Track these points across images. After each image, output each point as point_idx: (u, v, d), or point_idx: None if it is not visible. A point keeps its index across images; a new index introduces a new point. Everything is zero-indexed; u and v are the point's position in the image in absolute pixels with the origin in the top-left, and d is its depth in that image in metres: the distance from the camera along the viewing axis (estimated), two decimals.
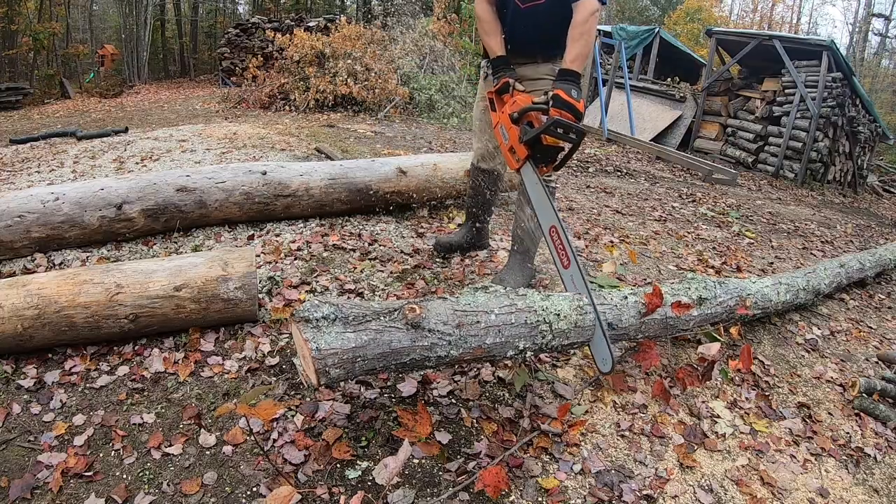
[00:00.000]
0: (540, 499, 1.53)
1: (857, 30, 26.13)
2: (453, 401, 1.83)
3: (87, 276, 1.93)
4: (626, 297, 1.92)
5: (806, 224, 5.74)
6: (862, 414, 2.14)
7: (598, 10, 2.05)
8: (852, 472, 1.85)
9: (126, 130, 6.13)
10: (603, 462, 1.68)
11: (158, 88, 16.31)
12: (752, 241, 4.41)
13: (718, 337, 2.29)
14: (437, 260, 2.83)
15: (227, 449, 1.60)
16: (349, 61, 8.67)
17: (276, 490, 1.37)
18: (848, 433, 2.02)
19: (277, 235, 2.92)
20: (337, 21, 11.01)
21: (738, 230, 4.65)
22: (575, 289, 1.90)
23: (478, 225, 2.84)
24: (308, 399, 1.81)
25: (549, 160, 2.05)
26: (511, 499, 1.52)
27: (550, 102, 1.97)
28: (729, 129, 9.98)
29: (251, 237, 2.89)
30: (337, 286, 2.46)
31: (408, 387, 1.89)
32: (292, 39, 9.36)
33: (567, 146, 2.00)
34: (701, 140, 10.31)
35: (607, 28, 11.25)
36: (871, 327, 2.94)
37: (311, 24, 13.12)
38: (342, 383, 1.88)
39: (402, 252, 2.87)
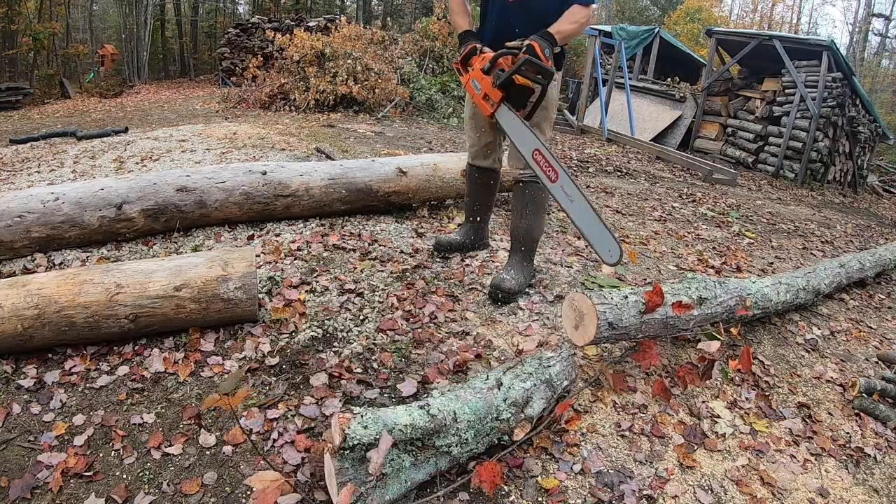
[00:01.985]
0: (540, 499, 1.53)
1: (857, 30, 26.14)
2: None
3: (87, 276, 1.93)
4: (627, 297, 1.92)
5: (806, 224, 5.74)
6: (862, 414, 2.14)
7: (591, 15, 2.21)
8: (852, 472, 1.85)
9: (126, 130, 6.13)
10: (603, 462, 1.68)
11: (158, 88, 16.31)
12: (752, 241, 4.41)
13: (718, 336, 2.29)
14: (437, 260, 2.83)
15: (227, 449, 1.60)
16: (349, 61, 8.67)
17: (261, 474, 1.33)
18: (848, 433, 2.02)
19: (277, 235, 2.92)
20: (337, 21, 11.02)
21: (738, 230, 4.65)
22: (569, 198, 1.98)
23: (477, 224, 2.84)
24: (308, 399, 1.81)
25: (521, 104, 2.17)
26: (511, 499, 1.52)
27: (523, 48, 2.06)
28: (729, 129, 9.99)
29: (251, 237, 2.89)
30: (337, 286, 2.46)
31: (408, 387, 1.89)
32: (292, 39, 9.36)
33: (538, 89, 2.15)
34: (701, 140, 10.31)
35: (607, 28, 11.26)
36: (871, 327, 2.94)
37: (311, 24, 13.14)
38: (342, 382, 1.88)
39: (402, 252, 2.87)
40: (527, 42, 2.06)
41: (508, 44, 2.12)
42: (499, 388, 1.61)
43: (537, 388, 1.68)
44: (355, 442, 1.31)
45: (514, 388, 1.63)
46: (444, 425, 1.46)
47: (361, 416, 1.36)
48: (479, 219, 2.82)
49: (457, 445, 1.49)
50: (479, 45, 2.23)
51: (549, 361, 1.76)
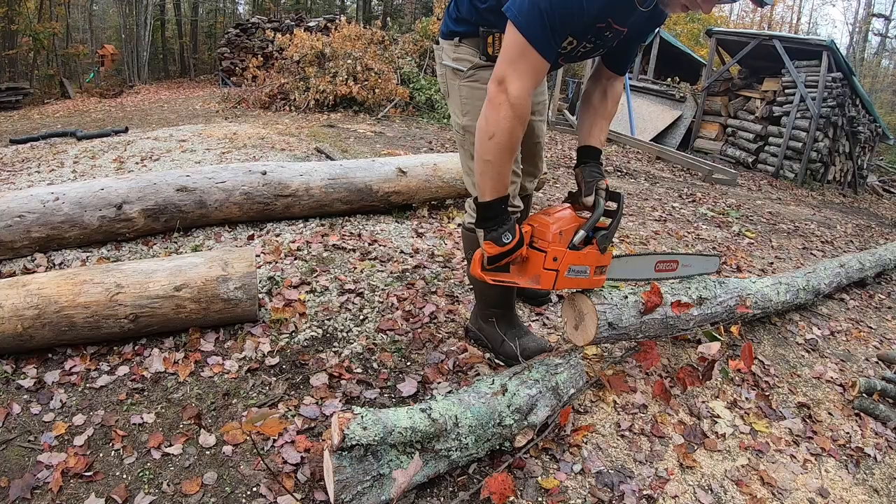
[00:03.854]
0: (540, 499, 1.53)
1: (857, 30, 26.16)
2: None
3: (87, 276, 1.93)
4: (626, 297, 1.92)
5: (806, 224, 5.74)
6: (862, 414, 2.14)
7: None
8: (852, 472, 1.85)
9: (126, 130, 6.14)
10: (603, 462, 1.68)
11: (158, 88, 16.31)
12: (752, 241, 4.41)
13: (719, 336, 2.29)
14: (437, 260, 2.83)
15: (227, 449, 1.60)
16: (349, 61, 8.67)
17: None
18: (848, 433, 2.02)
19: (277, 235, 2.92)
20: (337, 21, 11.02)
21: (738, 230, 4.65)
22: (687, 268, 2.14)
23: (512, 307, 2.09)
24: (308, 399, 1.81)
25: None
26: (511, 499, 1.52)
27: (603, 199, 1.66)
28: (729, 129, 9.99)
29: (251, 237, 2.89)
30: (337, 286, 2.46)
31: (408, 387, 1.89)
32: (292, 39, 9.37)
33: None
34: (701, 140, 10.31)
35: None
36: (871, 327, 2.94)
37: (311, 24, 13.15)
38: (342, 382, 1.88)
39: (402, 252, 2.87)
40: (603, 184, 1.67)
41: (597, 210, 1.64)
42: (503, 394, 1.59)
43: (542, 395, 1.67)
44: (354, 442, 1.32)
45: (518, 394, 1.62)
46: (445, 430, 1.46)
47: (361, 417, 1.36)
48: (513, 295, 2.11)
49: (457, 450, 1.48)
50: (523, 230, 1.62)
51: (558, 368, 1.76)
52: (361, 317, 2.28)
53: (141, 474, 1.51)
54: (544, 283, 1.61)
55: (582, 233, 1.60)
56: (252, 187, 2.92)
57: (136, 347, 1.99)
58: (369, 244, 2.91)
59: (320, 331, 2.17)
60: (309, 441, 1.63)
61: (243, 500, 1.46)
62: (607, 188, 1.68)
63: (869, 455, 1.94)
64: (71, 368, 1.87)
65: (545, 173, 2.38)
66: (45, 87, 14.94)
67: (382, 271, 2.64)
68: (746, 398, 2.09)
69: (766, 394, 2.14)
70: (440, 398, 1.55)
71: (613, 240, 1.70)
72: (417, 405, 1.51)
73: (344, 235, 2.97)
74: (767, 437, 1.91)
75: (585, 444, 1.73)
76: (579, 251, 1.61)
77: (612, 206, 1.68)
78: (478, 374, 1.98)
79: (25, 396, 1.76)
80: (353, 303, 2.36)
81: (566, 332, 1.91)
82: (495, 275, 1.61)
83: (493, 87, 1.43)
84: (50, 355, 1.92)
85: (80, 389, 1.80)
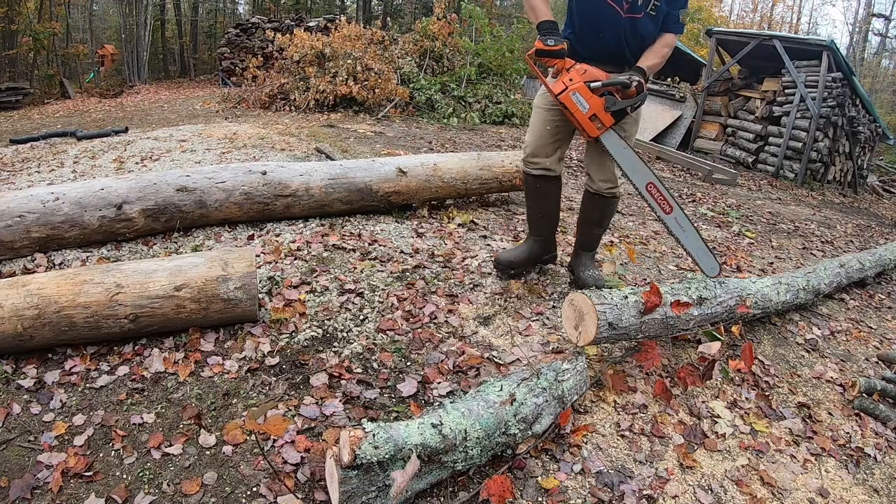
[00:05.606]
0: (540, 499, 1.53)
1: (857, 30, 26.17)
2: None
3: (87, 276, 1.93)
4: (626, 297, 1.92)
5: (806, 224, 5.74)
6: (862, 414, 2.14)
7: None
8: (852, 472, 1.85)
9: (126, 130, 6.13)
10: (603, 462, 1.68)
11: (158, 88, 16.31)
12: (752, 241, 4.41)
13: (719, 336, 2.29)
14: (437, 260, 2.83)
15: (227, 449, 1.60)
16: (349, 61, 8.66)
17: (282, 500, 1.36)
18: (848, 433, 2.02)
19: (277, 235, 2.92)
20: (337, 21, 11.01)
21: (738, 230, 4.65)
22: (681, 228, 2.22)
23: (546, 238, 2.64)
24: (308, 399, 1.81)
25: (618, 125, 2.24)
26: (510, 500, 1.52)
27: (634, 84, 2.09)
28: (729, 129, 9.98)
29: (251, 237, 2.89)
30: (337, 286, 2.46)
31: (408, 387, 1.89)
32: (292, 39, 9.36)
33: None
34: (701, 140, 10.31)
35: None
36: (871, 327, 2.94)
37: (311, 24, 13.15)
38: (342, 382, 1.88)
39: (402, 252, 2.87)
40: (637, 79, 2.09)
41: (618, 77, 2.09)
42: (511, 404, 1.59)
43: (548, 404, 1.68)
44: (364, 461, 1.31)
45: (526, 403, 1.62)
46: (455, 445, 1.46)
47: (373, 436, 1.34)
48: (547, 231, 2.63)
49: (462, 461, 1.49)
50: (566, 47, 2.13)
51: (564, 375, 1.76)
52: (361, 317, 2.28)
53: (141, 474, 1.51)
54: (557, 86, 2.14)
55: (598, 83, 2.09)
56: (252, 187, 2.92)
57: (136, 347, 1.99)
58: (369, 244, 2.91)
59: (320, 331, 2.17)
60: (309, 441, 1.63)
61: (243, 500, 1.46)
62: (640, 83, 2.07)
63: (869, 455, 1.94)
64: (71, 368, 1.88)
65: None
66: (45, 87, 14.94)
67: (382, 271, 2.64)
68: (746, 398, 2.09)
69: (766, 394, 2.14)
70: (451, 409, 1.52)
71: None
72: (428, 418, 1.48)
73: (344, 235, 2.97)
74: (767, 437, 1.91)
75: (585, 444, 1.73)
76: (591, 91, 2.10)
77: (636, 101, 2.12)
78: (478, 375, 1.98)
79: (25, 396, 1.76)
80: (353, 303, 2.36)
81: (566, 332, 1.91)
82: (535, 64, 2.19)
83: None
84: (50, 355, 1.92)
85: (80, 389, 1.81)
